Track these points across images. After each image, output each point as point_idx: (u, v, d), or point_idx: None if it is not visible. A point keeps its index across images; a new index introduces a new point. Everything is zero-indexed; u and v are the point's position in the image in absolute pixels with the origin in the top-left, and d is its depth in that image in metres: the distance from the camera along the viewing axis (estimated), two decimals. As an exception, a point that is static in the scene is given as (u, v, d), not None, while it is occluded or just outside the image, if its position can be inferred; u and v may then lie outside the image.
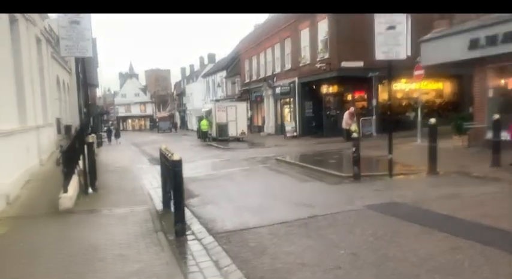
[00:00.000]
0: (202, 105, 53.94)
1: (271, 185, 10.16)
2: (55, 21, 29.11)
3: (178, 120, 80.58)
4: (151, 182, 12.56)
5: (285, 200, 8.21)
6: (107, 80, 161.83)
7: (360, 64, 22.81)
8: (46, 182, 11.24)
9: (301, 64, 27.25)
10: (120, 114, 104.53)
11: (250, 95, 39.01)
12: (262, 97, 35.56)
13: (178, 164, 6.42)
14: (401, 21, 9.49)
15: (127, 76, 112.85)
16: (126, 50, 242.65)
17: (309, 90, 27.56)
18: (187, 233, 6.47)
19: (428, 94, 25.91)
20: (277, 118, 33.35)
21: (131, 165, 17.02)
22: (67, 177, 8.54)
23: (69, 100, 30.92)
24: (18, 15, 11.51)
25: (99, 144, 31.42)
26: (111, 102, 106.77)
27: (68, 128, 25.74)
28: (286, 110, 32.46)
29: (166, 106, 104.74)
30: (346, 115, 20.91)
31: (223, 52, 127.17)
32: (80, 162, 10.82)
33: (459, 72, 24.09)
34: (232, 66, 48.60)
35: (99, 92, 59.77)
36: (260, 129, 36.66)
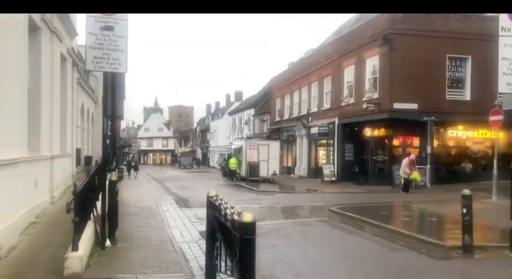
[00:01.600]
0: (231, 142, 52.06)
1: (351, 254, 7.48)
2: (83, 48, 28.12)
3: (200, 156, 78.80)
4: (182, 232, 10.21)
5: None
6: (130, 113, 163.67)
7: (414, 106, 20.52)
8: (55, 227, 9.00)
9: (343, 104, 25.08)
10: (142, 148, 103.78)
11: (280, 134, 36.88)
12: (294, 137, 33.31)
13: (249, 228, 4.06)
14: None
15: (151, 111, 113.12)
16: (152, 85, 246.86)
17: (350, 132, 25.21)
18: None
19: (482, 143, 23.19)
20: (310, 161, 30.90)
21: (156, 206, 14.73)
22: (79, 229, 6.26)
23: (93, 130, 29.39)
24: (40, 23, 9.72)
25: (120, 178, 29.48)
26: (134, 135, 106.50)
27: (88, 159, 23.90)
28: (322, 152, 30.06)
29: (188, 142, 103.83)
30: (405, 162, 18.34)
31: (250, 91, 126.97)
32: (98, 203, 8.63)
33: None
34: (262, 103, 46.91)
35: (123, 124, 58.87)
36: (289, 170, 34.15)
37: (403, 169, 18.20)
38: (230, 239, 4.70)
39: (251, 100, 53.19)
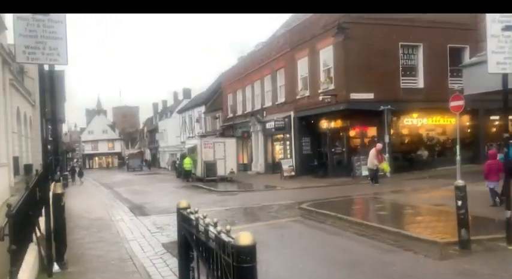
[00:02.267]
0: (182, 141, 50.50)
1: (341, 260, 6.56)
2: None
3: (149, 158, 76.11)
4: (142, 246, 9.07)
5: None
6: (71, 117, 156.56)
7: (370, 96, 20.34)
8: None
9: (298, 97, 24.58)
10: (86, 152, 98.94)
11: (234, 131, 35.98)
12: (249, 133, 32.52)
13: (249, 254, 3.12)
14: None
15: (94, 113, 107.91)
16: (93, 85, 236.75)
17: (306, 125, 24.80)
18: None
19: (436, 130, 23.55)
20: (267, 156, 30.26)
21: (108, 216, 13.36)
22: (17, 258, 5.06)
23: (31, 136, 27.01)
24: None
25: (64, 185, 27.35)
26: (77, 139, 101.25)
27: (28, 168, 21.79)
28: (278, 147, 29.50)
29: (135, 143, 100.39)
30: (372, 153, 17.88)
31: (198, 88, 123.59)
32: (41, 220, 7.34)
33: (473, 106, 21.91)
34: (213, 100, 45.69)
35: (65, 128, 55.40)
36: (246, 167, 33.35)
37: (371, 160, 17.78)
38: (218, 264, 3.75)
39: (201, 97, 51.78)
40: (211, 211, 12.83)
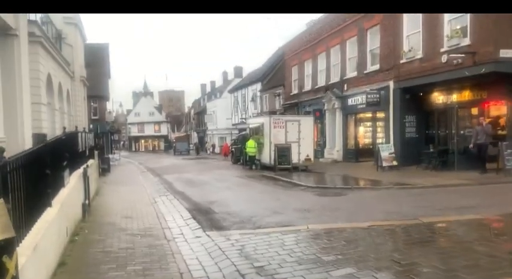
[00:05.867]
0: (234, 124, 45.45)
1: None
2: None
3: (196, 141, 71.72)
4: None
5: None
6: (119, 98, 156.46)
7: (524, 54, 14.00)
8: None
9: (403, 61, 18.43)
10: (132, 134, 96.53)
11: (299, 110, 30.27)
12: (322, 112, 26.69)
13: None
14: None
15: (141, 95, 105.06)
16: (140, 69, 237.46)
17: (411, 99, 18.72)
18: None
19: None
20: (347, 140, 24.39)
21: (160, 228, 8.17)
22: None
23: (69, 112, 22.54)
24: None
25: (105, 170, 22.88)
26: (124, 121, 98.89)
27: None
28: (363, 129, 23.62)
29: (181, 126, 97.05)
30: None
31: (250, 66, 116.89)
32: None
33: None
34: (270, 76, 40.13)
35: (109, 106, 51.45)
36: (316, 153, 27.50)
37: None
38: None
39: (256, 74, 46.23)
40: (345, 235, 7.24)
